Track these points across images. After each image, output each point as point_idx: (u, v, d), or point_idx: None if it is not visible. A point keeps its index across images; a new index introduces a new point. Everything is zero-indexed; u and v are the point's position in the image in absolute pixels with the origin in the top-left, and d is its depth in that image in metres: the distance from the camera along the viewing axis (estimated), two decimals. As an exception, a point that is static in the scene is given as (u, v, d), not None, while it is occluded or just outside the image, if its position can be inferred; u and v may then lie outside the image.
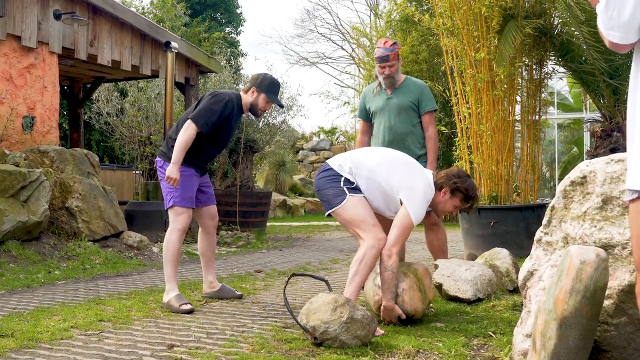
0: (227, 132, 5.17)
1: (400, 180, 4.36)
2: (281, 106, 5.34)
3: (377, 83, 5.89)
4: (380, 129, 5.78)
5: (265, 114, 4.61)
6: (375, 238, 4.24)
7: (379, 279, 4.34)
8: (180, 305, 4.77)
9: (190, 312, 4.72)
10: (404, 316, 4.25)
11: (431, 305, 4.93)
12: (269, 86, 5.13)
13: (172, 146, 5.00)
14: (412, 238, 5.75)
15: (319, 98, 57.34)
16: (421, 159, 5.66)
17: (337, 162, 4.49)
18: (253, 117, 5.40)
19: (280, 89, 5.13)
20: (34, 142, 8.95)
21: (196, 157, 5.11)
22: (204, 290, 5.43)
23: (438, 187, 4.46)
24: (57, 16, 9.17)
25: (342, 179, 4.38)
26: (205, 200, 5.32)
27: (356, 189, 4.37)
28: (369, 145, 6.03)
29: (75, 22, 9.26)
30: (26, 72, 8.87)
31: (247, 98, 5.15)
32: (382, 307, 4.28)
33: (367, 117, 5.95)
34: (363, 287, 4.43)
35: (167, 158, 5.04)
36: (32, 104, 8.98)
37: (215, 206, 5.43)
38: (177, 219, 5.01)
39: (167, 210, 5.10)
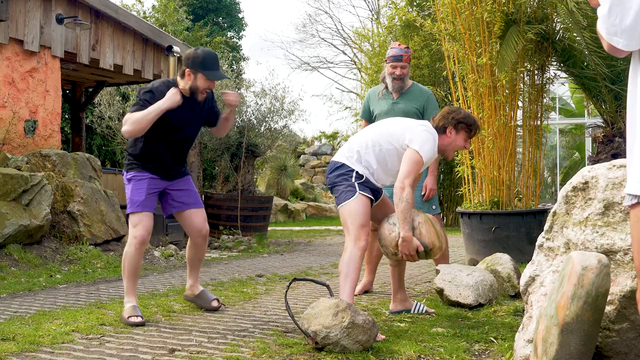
0: (168, 126, 4.68)
1: (402, 128, 4.47)
2: (225, 77, 4.95)
3: (382, 86, 5.87)
4: None
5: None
6: (356, 239, 4.31)
7: (393, 217, 4.36)
8: (129, 317, 4.51)
9: (140, 325, 4.45)
10: (421, 248, 4.28)
11: (432, 310, 4.93)
12: (203, 62, 4.59)
13: (130, 156, 4.79)
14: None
15: (321, 100, 57.33)
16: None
17: (345, 156, 4.54)
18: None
19: (218, 60, 4.72)
20: (36, 145, 8.96)
21: (148, 161, 4.76)
22: (185, 293, 5.23)
23: (442, 130, 4.52)
24: (60, 20, 9.19)
25: (354, 173, 4.43)
26: (181, 205, 4.94)
27: (366, 185, 4.43)
28: None
29: (77, 26, 9.28)
30: (28, 76, 8.89)
31: (184, 83, 4.64)
32: (399, 240, 4.29)
33: (369, 117, 5.94)
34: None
35: (127, 168, 4.80)
36: (34, 108, 8.99)
37: (200, 213, 4.99)
38: (133, 228, 4.75)
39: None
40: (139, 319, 4.49)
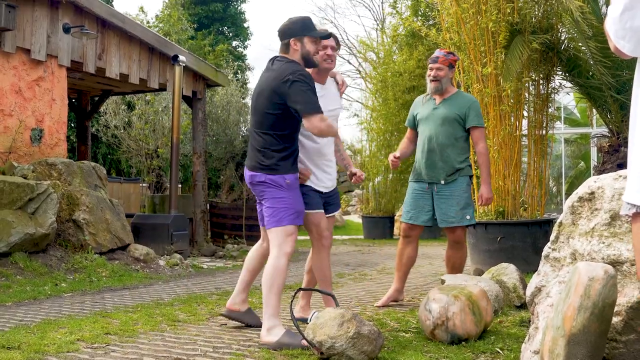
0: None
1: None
2: (330, 35, 4.57)
3: (427, 93, 5.87)
4: (422, 137, 5.74)
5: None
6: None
7: (431, 304, 4.26)
8: (300, 340, 3.99)
9: (312, 346, 3.84)
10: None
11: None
12: (303, 26, 4.34)
13: (270, 155, 4.32)
14: (419, 252, 5.72)
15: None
16: (460, 172, 5.60)
17: None
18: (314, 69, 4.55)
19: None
20: (42, 154, 8.98)
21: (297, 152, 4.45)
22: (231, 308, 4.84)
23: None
24: (66, 30, 9.22)
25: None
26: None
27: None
28: (411, 149, 6.03)
29: (84, 36, 9.31)
30: (35, 85, 8.92)
31: (295, 55, 4.35)
32: None
33: (413, 124, 5.93)
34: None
35: (266, 168, 4.32)
36: (41, 117, 9.02)
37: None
38: (287, 240, 4.31)
39: (271, 229, 4.33)
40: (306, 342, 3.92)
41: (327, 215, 4.72)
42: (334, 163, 4.82)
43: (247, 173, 4.45)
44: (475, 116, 5.64)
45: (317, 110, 4.14)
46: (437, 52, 5.77)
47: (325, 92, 4.67)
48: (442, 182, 5.59)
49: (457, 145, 5.63)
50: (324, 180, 4.67)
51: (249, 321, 4.79)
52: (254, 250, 4.82)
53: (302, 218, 4.40)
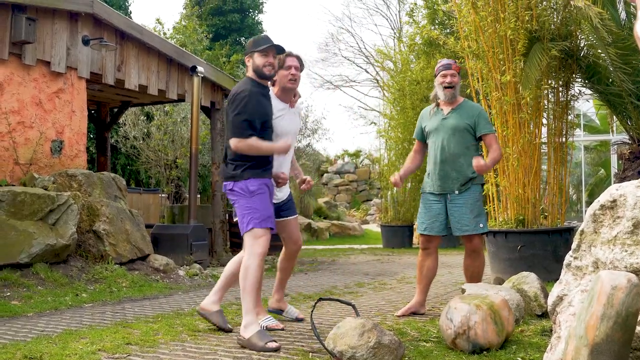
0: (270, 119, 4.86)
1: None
2: (280, 48, 4.85)
3: (433, 105, 5.86)
4: (433, 149, 5.73)
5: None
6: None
7: (452, 313, 4.25)
8: (266, 343, 4.26)
9: (277, 349, 4.23)
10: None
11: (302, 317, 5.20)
12: (255, 44, 4.78)
13: (235, 165, 4.71)
14: (440, 262, 5.70)
15: (347, 113, 57.23)
16: (472, 181, 5.60)
17: None
18: (270, 83, 4.99)
19: (269, 37, 4.85)
20: (62, 165, 9.05)
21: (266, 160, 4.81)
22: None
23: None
24: (86, 42, 9.31)
25: None
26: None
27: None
28: (418, 162, 6.07)
29: (103, 48, 9.39)
30: (55, 97, 9.00)
31: (250, 73, 4.81)
32: None
33: (421, 136, 5.93)
34: None
35: (233, 177, 4.71)
36: (61, 128, 9.10)
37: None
38: (256, 242, 4.62)
39: (243, 235, 4.69)
40: (275, 344, 4.28)
41: (288, 219, 5.24)
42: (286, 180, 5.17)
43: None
44: (486, 124, 5.66)
45: (235, 135, 4.61)
46: (446, 60, 5.80)
47: (285, 113, 5.11)
48: (456, 192, 5.59)
49: (468, 155, 5.62)
50: (275, 192, 5.06)
51: (215, 321, 5.02)
52: (237, 256, 5.12)
53: (272, 222, 4.69)
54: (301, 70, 5.14)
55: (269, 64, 4.77)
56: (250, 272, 4.54)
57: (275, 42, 4.75)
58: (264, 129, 4.74)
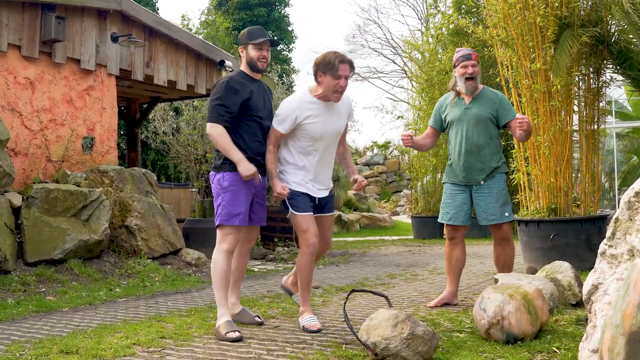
0: (257, 112, 4.80)
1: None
2: (274, 42, 4.95)
3: (453, 94, 5.73)
4: (457, 140, 5.63)
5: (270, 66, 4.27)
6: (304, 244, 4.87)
7: (485, 303, 4.22)
8: (227, 333, 4.44)
9: (238, 340, 4.38)
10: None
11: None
12: (249, 36, 4.80)
13: (217, 155, 4.80)
14: (470, 252, 5.67)
15: (373, 112, 57.19)
16: (497, 170, 5.55)
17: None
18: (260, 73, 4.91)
19: (264, 30, 4.90)
20: (93, 162, 9.14)
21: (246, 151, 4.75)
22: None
23: (316, 80, 4.80)
24: (114, 39, 9.38)
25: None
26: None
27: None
28: (429, 145, 6.05)
29: (131, 44, 9.46)
30: (85, 94, 9.08)
31: (242, 64, 4.88)
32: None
33: (440, 125, 5.85)
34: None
35: (214, 168, 4.77)
36: (92, 125, 9.18)
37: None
38: (224, 239, 4.72)
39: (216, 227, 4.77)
40: (237, 334, 4.43)
41: (322, 215, 5.04)
42: (329, 178, 5.10)
43: None
44: (509, 109, 5.58)
45: (210, 120, 4.66)
46: (465, 50, 5.67)
47: (320, 115, 4.81)
48: (482, 182, 5.54)
49: (492, 144, 5.57)
50: (314, 190, 4.92)
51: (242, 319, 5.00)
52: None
53: (242, 220, 4.69)
54: (351, 75, 4.83)
55: (263, 57, 4.82)
56: (217, 268, 4.66)
57: (273, 37, 4.79)
58: (249, 118, 4.75)
